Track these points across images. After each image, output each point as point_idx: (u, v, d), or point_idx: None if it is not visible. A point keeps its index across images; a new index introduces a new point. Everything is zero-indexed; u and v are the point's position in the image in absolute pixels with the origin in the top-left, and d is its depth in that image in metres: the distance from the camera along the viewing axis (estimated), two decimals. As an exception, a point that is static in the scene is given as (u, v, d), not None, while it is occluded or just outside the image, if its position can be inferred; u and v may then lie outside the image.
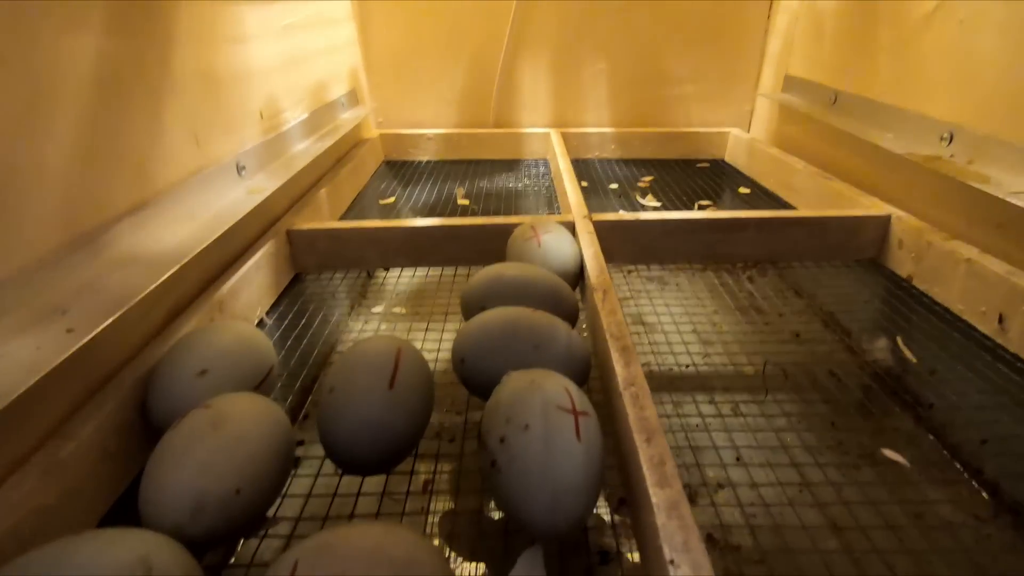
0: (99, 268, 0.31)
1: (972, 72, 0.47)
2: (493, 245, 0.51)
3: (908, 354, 0.40)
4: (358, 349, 0.30)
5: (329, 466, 0.31)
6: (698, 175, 0.83)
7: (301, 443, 0.34)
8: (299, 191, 0.59)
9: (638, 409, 0.27)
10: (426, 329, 0.46)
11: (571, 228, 0.50)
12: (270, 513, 0.28)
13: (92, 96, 0.31)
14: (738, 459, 0.33)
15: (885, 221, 0.50)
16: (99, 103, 0.32)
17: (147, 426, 0.31)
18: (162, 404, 0.29)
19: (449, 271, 0.54)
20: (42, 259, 0.28)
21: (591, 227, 0.49)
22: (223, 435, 0.25)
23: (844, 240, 0.51)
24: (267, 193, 0.45)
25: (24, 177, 0.27)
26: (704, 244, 0.51)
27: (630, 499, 0.26)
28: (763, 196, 0.71)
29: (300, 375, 0.40)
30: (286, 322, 0.46)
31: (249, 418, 0.26)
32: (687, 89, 0.88)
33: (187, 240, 0.37)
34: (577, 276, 0.44)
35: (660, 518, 0.22)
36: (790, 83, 0.77)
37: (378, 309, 0.51)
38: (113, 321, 0.28)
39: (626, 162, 0.88)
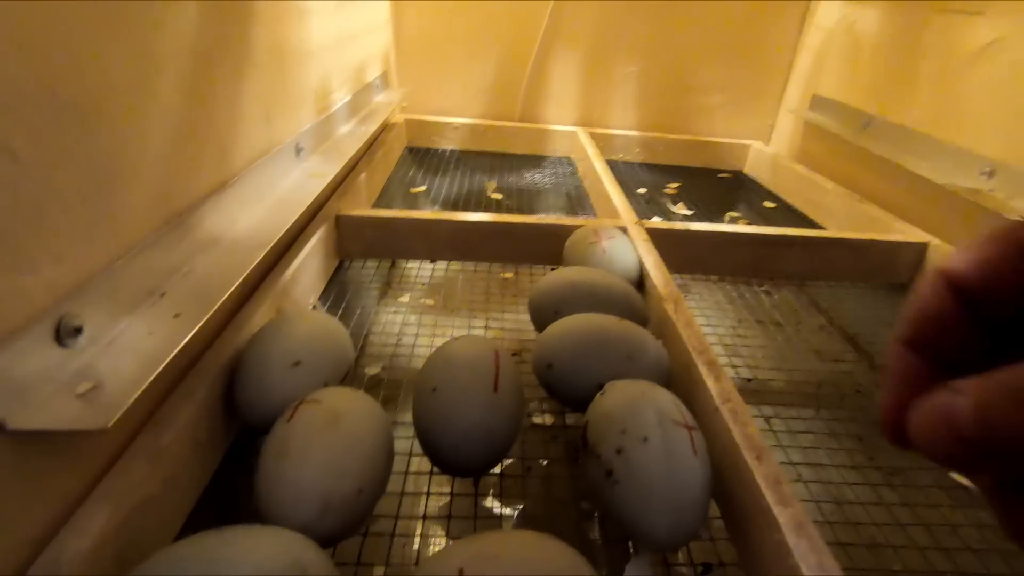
0: (187, 250, 0.30)
1: (1020, 112, 0.49)
2: (542, 245, 0.51)
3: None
4: (455, 348, 0.30)
5: (418, 463, 0.30)
6: (721, 185, 0.84)
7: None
8: (341, 175, 0.58)
9: (741, 426, 0.28)
10: (472, 325, 0.45)
11: (623, 232, 0.50)
12: (368, 511, 0.28)
13: (189, 70, 0.30)
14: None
15: (922, 248, 0.52)
16: (193, 77, 0.30)
17: (229, 414, 0.30)
18: (255, 395, 0.29)
19: (484, 266, 0.53)
20: (141, 239, 0.27)
21: (646, 234, 0.50)
22: (341, 433, 0.24)
23: (881, 264, 0.53)
24: (328, 178, 0.44)
25: (130, 154, 0.26)
26: (751, 258, 0.52)
27: (738, 517, 0.27)
28: (789, 212, 0.73)
29: (354, 368, 0.40)
30: (340, 311, 0.45)
31: (360, 414, 0.26)
32: (713, 99, 0.89)
33: (260, 223, 0.36)
34: (637, 283, 0.45)
35: (790, 538, 0.22)
36: (818, 103, 0.79)
37: (416, 300, 0.50)
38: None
39: (649, 166, 0.89)
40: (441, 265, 0.54)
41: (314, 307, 0.44)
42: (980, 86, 0.53)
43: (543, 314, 0.38)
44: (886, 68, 0.66)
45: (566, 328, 0.33)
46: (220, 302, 0.27)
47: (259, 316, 0.35)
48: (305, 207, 0.39)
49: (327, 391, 0.27)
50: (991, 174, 0.50)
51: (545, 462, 0.33)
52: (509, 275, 0.54)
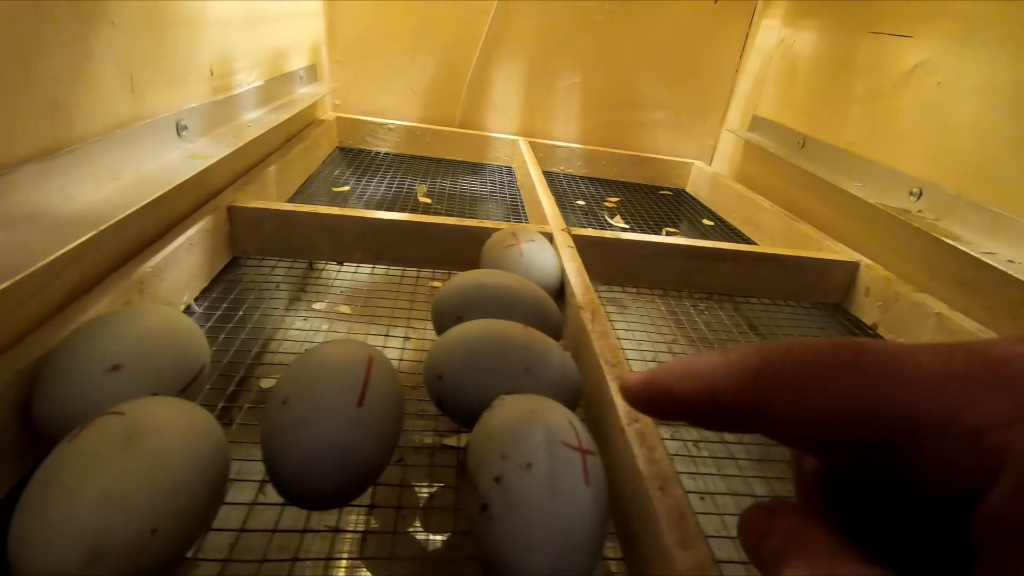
0: (-16, 223, 0.24)
1: (945, 133, 0.48)
2: (462, 249, 0.47)
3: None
4: (320, 354, 0.25)
5: (268, 493, 0.25)
6: (661, 202, 0.82)
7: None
8: (245, 165, 0.52)
9: (647, 450, 0.24)
10: (386, 334, 0.40)
11: (548, 239, 0.47)
12: (189, 552, 0.22)
13: None
14: (702, 498, 0.31)
15: (854, 267, 0.51)
16: (7, 10, 0.25)
17: (30, 433, 0.24)
18: (56, 406, 0.23)
19: (401, 271, 0.49)
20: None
21: (571, 241, 0.46)
22: (139, 454, 0.19)
23: (813, 282, 0.52)
24: (211, 160, 0.39)
25: None
26: (681, 271, 0.50)
27: (635, 555, 0.23)
28: (726, 230, 0.72)
29: (233, 376, 0.34)
30: (219, 312, 0.39)
31: (174, 431, 0.20)
32: (656, 116, 0.89)
33: (107, 202, 0.30)
34: (557, 292, 0.41)
35: (690, 588, 0.18)
36: (757, 123, 0.79)
37: (320, 306, 0.45)
38: (-3, 293, 0.21)
39: (591, 180, 0.87)
40: (365, 269, 0.49)
41: (187, 307, 0.38)
42: (908, 107, 0.53)
43: (444, 320, 0.34)
44: (821, 89, 0.66)
45: (460, 335, 0.29)
46: (4, 285, 0.21)
47: (95, 313, 0.29)
48: (172, 187, 0.34)
49: (141, 402, 0.21)
50: (919, 194, 0.50)
51: (429, 491, 0.28)
52: (438, 283, 0.50)
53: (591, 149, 0.87)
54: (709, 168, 0.85)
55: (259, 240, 0.46)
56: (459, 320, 0.32)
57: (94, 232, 0.27)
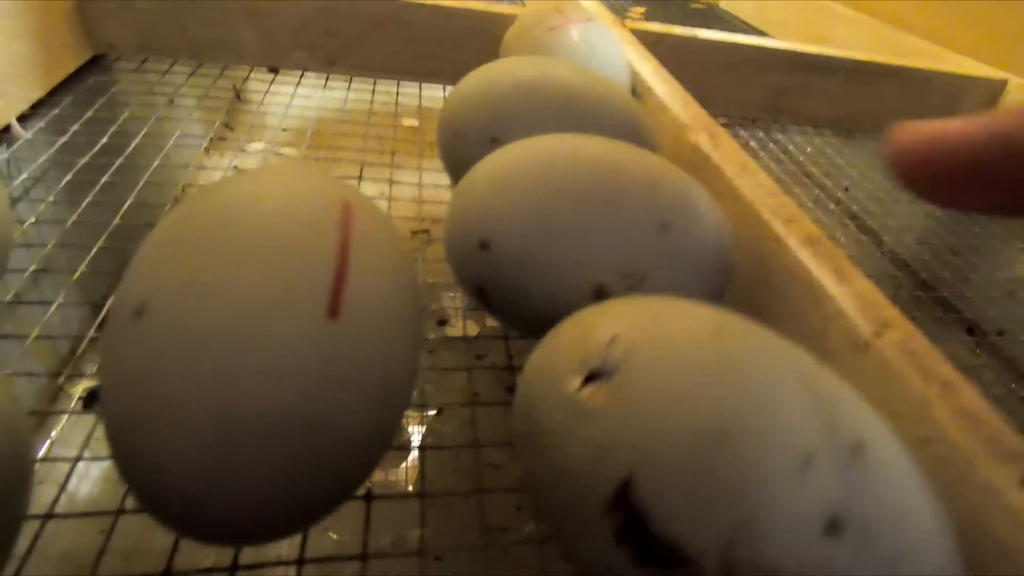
0: None
1: None
2: (466, 49, 0.31)
3: None
4: (235, 194, 0.11)
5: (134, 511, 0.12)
6: (693, 21, 0.64)
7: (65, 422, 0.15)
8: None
9: (919, 373, 0.12)
10: (359, 178, 0.26)
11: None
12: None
13: None
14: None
15: (999, 87, 0.38)
16: None
17: None
18: None
19: (371, 86, 0.32)
20: None
21: (631, 36, 0.30)
22: None
23: (936, 107, 0.38)
24: None
25: None
26: (771, 91, 0.35)
27: None
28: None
29: (101, 273, 0.19)
30: (64, 138, 0.23)
31: None
32: None
33: None
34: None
35: None
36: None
37: (257, 146, 0.30)
38: None
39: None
40: (314, 82, 0.32)
41: (3, 129, 0.22)
42: None
43: (467, 145, 0.19)
44: None
45: (521, 159, 0.15)
46: None
47: None
48: None
49: None
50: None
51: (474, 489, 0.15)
52: (413, 122, 0.34)
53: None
54: (754, -27, 0.66)
55: (132, 27, 0.28)
56: (495, 144, 0.18)
57: None
